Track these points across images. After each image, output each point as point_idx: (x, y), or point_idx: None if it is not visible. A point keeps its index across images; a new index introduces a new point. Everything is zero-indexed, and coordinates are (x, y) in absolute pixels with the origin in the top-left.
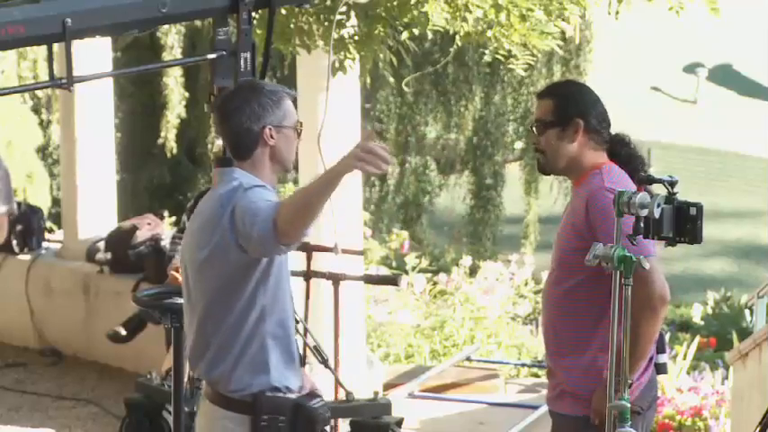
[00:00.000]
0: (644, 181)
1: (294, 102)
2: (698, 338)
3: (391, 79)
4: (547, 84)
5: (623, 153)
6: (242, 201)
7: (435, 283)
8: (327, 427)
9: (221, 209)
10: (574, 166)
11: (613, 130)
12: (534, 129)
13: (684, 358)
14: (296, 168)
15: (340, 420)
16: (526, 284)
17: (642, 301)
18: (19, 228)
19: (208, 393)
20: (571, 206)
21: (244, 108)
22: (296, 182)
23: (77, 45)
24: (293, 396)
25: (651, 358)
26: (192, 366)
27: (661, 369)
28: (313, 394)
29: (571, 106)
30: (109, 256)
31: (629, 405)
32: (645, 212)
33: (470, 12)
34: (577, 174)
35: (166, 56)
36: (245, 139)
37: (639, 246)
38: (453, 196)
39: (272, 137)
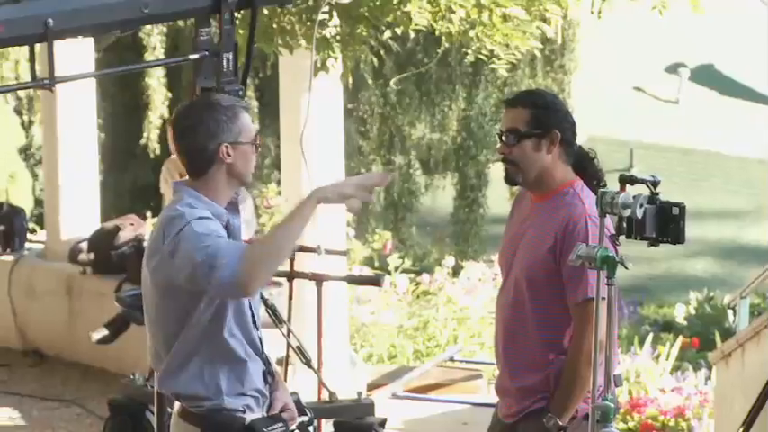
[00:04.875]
0: (626, 181)
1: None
2: (681, 339)
3: (370, 81)
4: (515, 91)
5: (590, 169)
6: (188, 241)
7: (418, 284)
8: (311, 428)
9: (161, 237)
10: (544, 178)
11: (580, 141)
12: (504, 138)
13: (667, 359)
14: (278, 168)
15: (323, 421)
16: None
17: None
18: (1, 228)
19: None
20: (539, 225)
21: (198, 126)
22: (279, 182)
23: (59, 45)
24: (251, 416)
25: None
26: (154, 372)
27: (617, 381)
28: (275, 417)
29: (549, 117)
30: (92, 256)
31: (612, 405)
32: (627, 212)
33: (453, 12)
34: (546, 187)
35: (149, 56)
36: (200, 158)
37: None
38: (437, 196)
39: (228, 154)
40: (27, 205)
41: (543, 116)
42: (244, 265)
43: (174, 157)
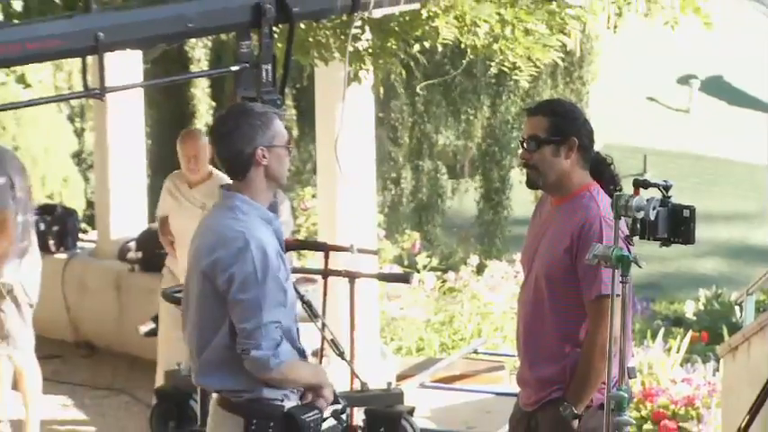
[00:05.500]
0: (640, 185)
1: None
2: (690, 333)
3: (400, 91)
4: (537, 101)
5: (606, 174)
6: (247, 296)
7: (444, 281)
8: (344, 416)
9: (216, 248)
10: (563, 182)
11: (597, 148)
12: (525, 144)
13: (678, 351)
14: (314, 171)
15: (355, 409)
16: None
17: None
18: (55, 229)
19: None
20: (558, 227)
21: (235, 132)
22: (314, 185)
23: (109, 57)
24: (289, 404)
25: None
26: (189, 367)
27: (631, 373)
28: (311, 405)
29: (567, 124)
30: (140, 255)
31: (626, 395)
32: (641, 215)
33: (478, 26)
34: (565, 191)
35: (194, 68)
36: (239, 161)
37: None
38: (463, 199)
39: (264, 157)
40: (79, 207)
41: (562, 124)
42: (278, 367)
43: (178, 171)
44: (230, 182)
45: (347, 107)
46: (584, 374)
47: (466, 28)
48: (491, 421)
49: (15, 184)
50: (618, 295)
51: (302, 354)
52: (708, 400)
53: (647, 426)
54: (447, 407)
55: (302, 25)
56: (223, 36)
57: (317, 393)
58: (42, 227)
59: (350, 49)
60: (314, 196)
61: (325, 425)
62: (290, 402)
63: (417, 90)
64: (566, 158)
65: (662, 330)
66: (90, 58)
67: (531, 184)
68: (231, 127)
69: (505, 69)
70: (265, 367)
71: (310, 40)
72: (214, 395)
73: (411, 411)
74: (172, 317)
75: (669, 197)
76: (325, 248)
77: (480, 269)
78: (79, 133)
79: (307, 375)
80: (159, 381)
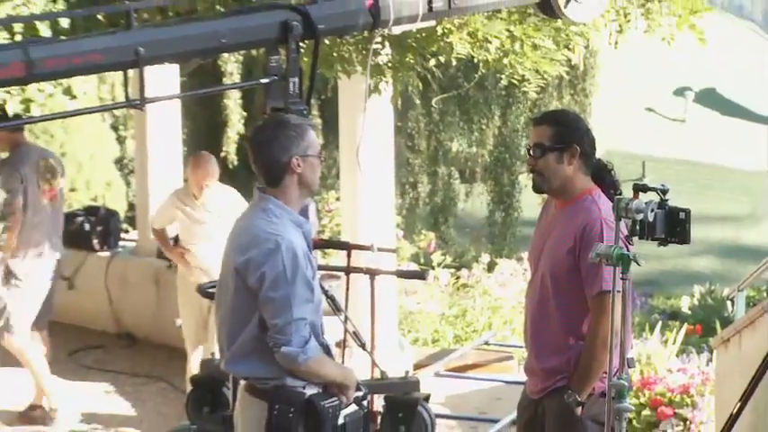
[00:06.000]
0: (639, 189)
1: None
2: (686, 326)
3: (417, 102)
4: (543, 111)
5: (607, 179)
6: (278, 294)
7: (458, 278)
8: (365, 402)
9: (249, 246)
10: (566, 187)
11: (599, 155)
12: (531, 152)
13: (674, 343)
14: (338, 176)
15: (375, 396)
16: None
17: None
18: (99, 229)
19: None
20: (562, 228)
21: (272, 142)
22: (338, 189)
23: (149, 71)
24: (310, 391)
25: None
26: (220, 356)
27: (631, 363)
28: (331, 392)
29: (570, 133)
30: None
31: (626, 384)
32: (640, 216)
33: (489, 42)
34: (569, 195)
35: (226, 80)
36: (275, 169)
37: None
38: (475, 202)
39: (298, 165)
40: (121, 209)
41: (565, 133)
42: (309, 365)
43: (181, 189)
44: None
45: (368, 117)
46: (587, 365)
47: (478, 43)
48: (501, 407)
49: (28, 185)
50: (618, 291)
51: (326, 348)
52: (702, 388)
53: (646, 412)
54: (460, 394)
55: (327, 41)
56: (253, 51)
57: (340, 390)
58: (87, 227)
59: (371, 63)
60: (337, 199)
61: (347, 410)
62: (311, 390)
63: (433, 102)
64: (568, 165)
65: (659, 324)
66: (131, 72)
67: (537, 188)
68: (269, 137)
69: (515, 82)
70: (294, 362)
71: (334, 54)
72: (242, 381)
73: (427, 398)
74: (197, 309)
75: (666, 200)
76: (348, 247)
77: (491, 267)
78: (121, 141)
79: (333, 373)
80: (190, 365)
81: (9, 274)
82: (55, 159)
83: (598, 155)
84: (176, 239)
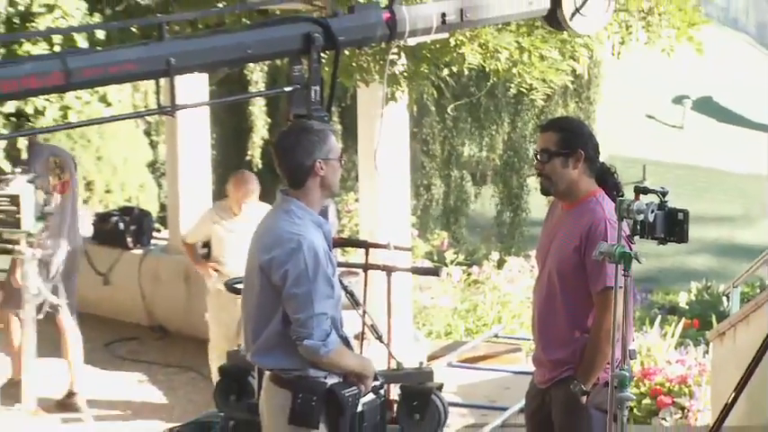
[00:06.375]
0: (640, 191)
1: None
2: (683, 320)
3: (432, 109)
4: (550, 118)
5: (610, 182)
6: (301, 291)
7: (469, 274)
8: (382, 391)
9: (273, 245)
10: (572, 189)
11: (602, 159)
12: (539, 156)
13: (673, 336)
14: (357, 179)
15: (392, 385)
16: None
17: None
18: (133, 228)
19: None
20: (568, 228)
21: (297, 147)
22: (356, 190)
23: (179, 80)
24: (331, 381)
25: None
26: (246, 347)
27: (632, 355)
28: (350, 382)
29: (574, 139)
30: (205, 251)
31: (628, 374)
32: (641, 217)
33: (499, 53)
34: (574, 197)
35: (252, 89)
36: (299, 172)
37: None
38: (486, 203)
39: (321, 168)
40: (153, 209)
41: (570, 138)
42: (330, 357)
43: (220, 203)
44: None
45: (385, 123)
46: (591, 356)
47: (489, 54)
48: (509, 396)
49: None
50: (620, 287)
51: (345, 341)
52: (699, 378)
53: (646, 401)
54: (471, 383)
55: (346, 52)
56: (278, 61)
57: (359, 380)
58: (122, 226)
59: (388, 72)
60: (356, 200)
61: (365, 399)
62: (332, 380)
63: (448, 109)
64: (573, 168)
65: (659, 318)
66: (162, 80)
67: (544, 191)
68: (293, 142)
69: (523, 90)
70: (316, 354)
71: (353, 64)
72: (267, 372)
73: (440, 387)
74: (221, 305)
75: (665, 202)
76: (366, 246)
77: (500, 264)
78: (154, 145)
79: (353, 364)
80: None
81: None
82: (65, 155)
83: (601, 159)
84: (207, 255)
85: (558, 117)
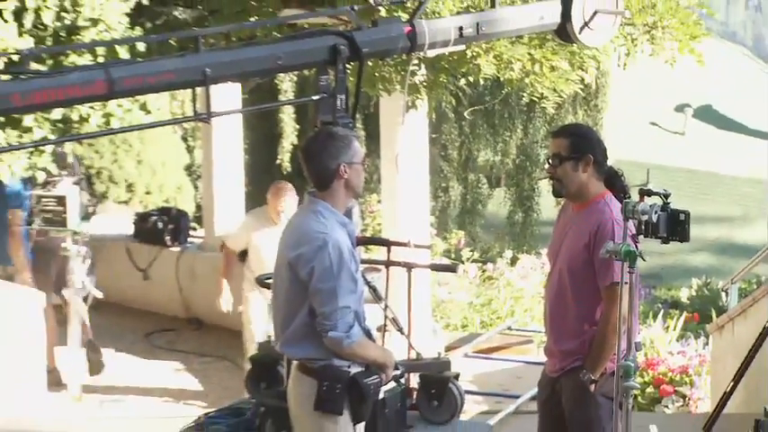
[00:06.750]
0: (645, 193)
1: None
2: (685, 314)
3: (451, 116)
4: (560, 125)
5: (618, 184)
6: (326, 286)
7: (484, 271)
8: (402, 380)
9: (301, 242)
10: (582, 191)
11: (610, 163)
12: (551, 161)
13: (674, 329)
14: (379, 181)
15: (411, 374)
16: None
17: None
18: (171, 227)
19: None
20: (577, 227)
21: (322, 152)
22: (379, 192)
23: (214, 88)
24: (354, 370)
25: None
26: (275, 338)
27: (638, 347)
28: (371, 371)
29: (584, 144)
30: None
31: (633, 365)
32: (645, 217)
33: (512, 64)
34: (584, 198)
35: (282, 97)
36: (325, 175)
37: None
38: (499, 204)
39: (345, 171)
40: (190, 209)
41: (580, 143)
42: (353, 348)
43: (260, 210)
44: None
45: (406, 129)
46: (599, 347)
47: (503, 65)
48: (522, 385)
49: None
50: (626, 283)
51: (368, 333)
52: (699, 368)
53: (650, 389)
54: (486, 373)
55: (370, 63)
56: (306, 71)
57: (381, 369)
58: (160, 225)
59: (408, 82)
60: (379, 201)
61: (386, 387)
62: (355, 369)
63: (465, 116)
64: (583, 172)
65: (661, 312)
66: (198, 89)
67: (556, 193)
68: (319, 147)
69: (535, 99)
70: (339, 345)
71: (376, 74)
72: (295, 361)
73: (457, 376)
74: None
75: (668, 204)
76: (388, 244)
77: (513, 261)
78: (190, 150)
79: (375, 355)
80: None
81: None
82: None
83: (609, 163)
84: (243, 258)
85: (568, 124)
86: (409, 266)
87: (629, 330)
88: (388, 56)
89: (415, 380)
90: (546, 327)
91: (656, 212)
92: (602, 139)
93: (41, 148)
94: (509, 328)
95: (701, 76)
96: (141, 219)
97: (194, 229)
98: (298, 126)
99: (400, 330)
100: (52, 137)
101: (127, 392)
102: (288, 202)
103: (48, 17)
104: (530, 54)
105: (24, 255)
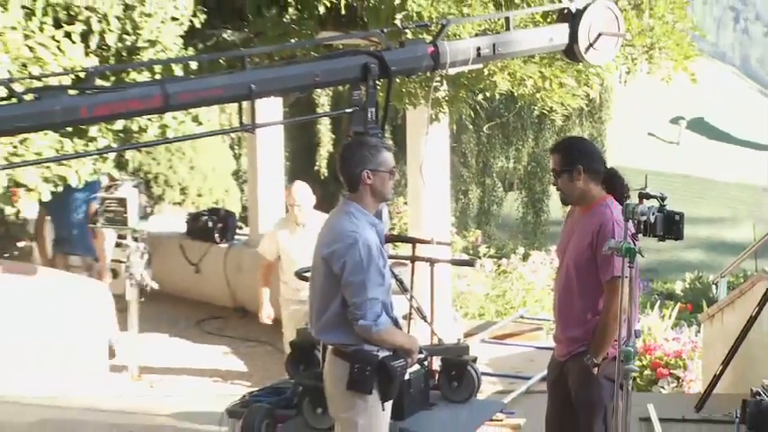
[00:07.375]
0: (643, 196)
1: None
2: (679, 305)
3: (470, 127)
4: (557, 139)
5: (618, 184)
6: (356, 279)
7: (499, 266)
8: (425, 363)
9: (334, 240)
10: (584, 197)
11: (609, 165)
12: (552, 175)
13: (670, 318)
14: (405, 186)
15: (434, 358)
16: None
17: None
18: (219, 226)
19: None
20: (582, 228)
21: (351, 158)
22: (405, 195)
23: (259, 102)
24: (382, 354)
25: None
26: (312, 325)
27: (637, 334)
28: (398, 355)
29: (572, 156)
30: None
31: (632, 350)
32: (644, 218)
33: (525, 80)
34: (587, 202)
35: (319, 110)
36: (352, 179)
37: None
38: (513, 206)
39: (369, 177)
40: (236, 210)
41: (568, 156)
42: (380, 334)
43: (284, 216)
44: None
45: (429, 139)
46: (602, 335)
47: (516, 82)
48: (533, 367)
49: None
50: (626, 277)
51: (395, 321)
52: (692, 353)
53: (647, 372)
54: (500, 356)
55: (397, 79)
56: (340, 87)
57: (406, 354)
58: (210, 224)
59: (432, 97)
60: (405, 203)
61: (411, 369)
62: (384, 353)
63: (483, 128)
64: (577, 181)
65: (658, 303)
66: (245, 103)
67: (563, 202)
68: (349, 155)
69: (545, 112)
70: (368, 332)
71: (403, 90)
72: (329, 346)
73: (474, 360)
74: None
75: (664, 206)
76: (413, 241)
77: (525, 257)
78: (237, 157)
79: (401, 341)
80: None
81: None
82: None
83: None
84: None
85: (560, 139)
86: (432, 261)
87: (629, 319)
88: (413, 73)
89: (437, 363)
90: (555, 316)
91: (653, 213)
92: (594, 146)
93: (105, 155)
94: (521, 317)
95: (694, 92)
96: (193, 218)
97: (240, 227)
98: (333, 136)
99: (424, 318)
100: (114, 145)
101: (180, 373)
102: (298, 194)
103: (111, 39)
104: (540, 72)
105: (106, 255)
